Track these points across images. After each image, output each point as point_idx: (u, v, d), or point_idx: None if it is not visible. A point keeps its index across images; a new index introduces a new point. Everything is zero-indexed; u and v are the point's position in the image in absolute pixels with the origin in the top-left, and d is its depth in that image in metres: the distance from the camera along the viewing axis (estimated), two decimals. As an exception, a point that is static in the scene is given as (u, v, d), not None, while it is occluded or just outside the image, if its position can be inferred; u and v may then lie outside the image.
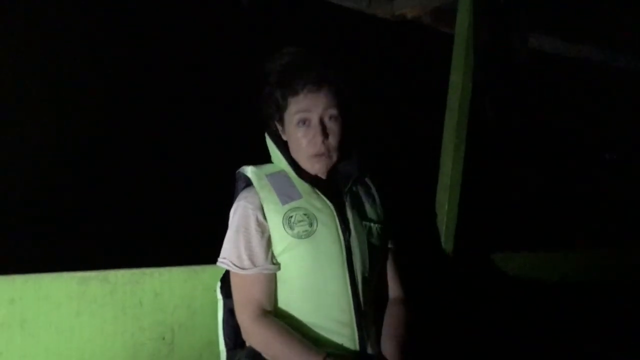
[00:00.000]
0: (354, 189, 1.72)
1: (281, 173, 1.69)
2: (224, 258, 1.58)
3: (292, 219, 1.56)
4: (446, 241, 2.43)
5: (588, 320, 2.88)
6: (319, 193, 1.64)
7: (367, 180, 1.83)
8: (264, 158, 1.76)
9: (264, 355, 1.53)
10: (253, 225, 1.57)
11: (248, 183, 1.67)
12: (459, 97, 2.40)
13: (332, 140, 1.63)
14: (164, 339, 1.86)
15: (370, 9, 2.69)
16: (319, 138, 1.60)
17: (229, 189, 1.74)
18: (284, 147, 1.71)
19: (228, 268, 1.58)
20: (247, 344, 1.65)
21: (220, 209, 1.73)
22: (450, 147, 2.43)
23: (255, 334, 1.54)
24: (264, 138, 1.76)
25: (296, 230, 1.55)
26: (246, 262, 1.54)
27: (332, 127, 1.63)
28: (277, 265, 1.57)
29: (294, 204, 1.59)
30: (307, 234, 1.55)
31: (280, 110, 1.67)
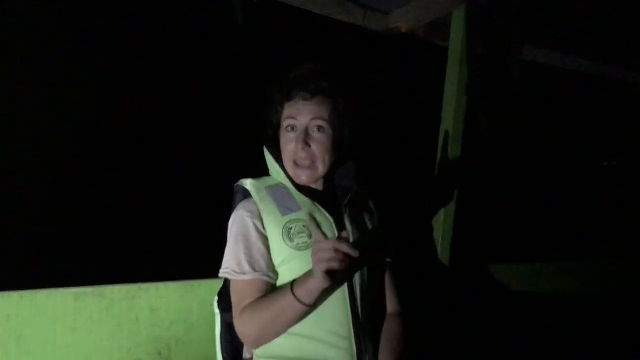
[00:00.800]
0: (353, 203, 1.72)
1: (280, 185, 1.69)
2: (226, 268, 1.57)
3: (292, 231, 1.56)
4: (442, 253, 2.43)
5: (585, 331, 2.88)
6: (318, 206, 1.64)
7: (366, 194, 1.83)
8: (260, 173, 1.76)
9: (264, 334, 1.52)
10: (253, 233, 1.57)
11: (246, 195, 1.67)
12: (453, 109, 2.42)
13: (316, 150, 1.63)
14: (160, 354, 1.85)
15: (366, 22, 2.70)
16: (299, 145, 1.61)
17: (226, 204, 1.74)
18: (281, 160, 1.72)
19: (229, 276, 1.56)
20: (246, 357, 1.65)
21: (217, 224, 1.73)
22: (445, 158, 2.44)
23: (244, 324, 1.52)
24: (260, 153, 1.77)
25: (296, 242, 1.55)
26: (246, 268, 1.53)
27: (317, 137, 1.63)
28: (277, 274, 1.57)
29: (293, 215, 1.59)
30: (307, 246, 1.55)
31: (277, 116, 1.69)
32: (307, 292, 1.42)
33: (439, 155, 2.49)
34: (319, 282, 1.37)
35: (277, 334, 1.51)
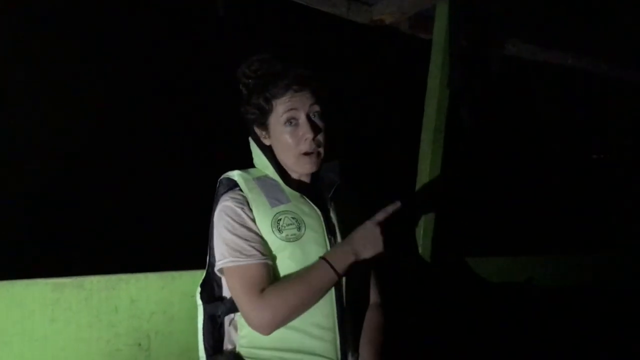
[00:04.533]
0: (337, 195, 1.72)
1: (267, 178, 1.69)
2: (226, 257, 1.53)
3: (281, 222, 1.56)
4: (424, 246, 2.44)
5: (563, 324, 2.91)
6: (306, 198, 1.64)
7: (348, 187, 1.83)
8: (239, 165, 1.75)
9: (291, 315, 1.50)
10: (247, 221, 1.56)
11: (231, 187, 1.66)
12: (436, 102, 2.43)
13: (321, 137, 1.64)
14: (140, 345, 1.84)
15: (350, 14, 2.69)
16: (309, 135, 1.61)
17: (207, 196, 1.72)
18: (268, 153, 1.71)
19: (234, 264, 1.51)
20: (227, 348, 1.64)
21: (198, 216, 1.72)
22: (428, 152, 2.44)
23: (269, 306, 1.48)
24: (236, 146, 1.76)
25: (285, 233, 1.55)
26: (253, 252, 1.51)
27: (320, 123, 1.64)
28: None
29: (282, 207, 1.59)
30: (296, 238, 1.56)
31: (264, 115, 1.66)
32: (345, 264, 1.52)
33: (421, 148, 2.50)
34: (356, 257, 1.53)
35: (301, 314, 1.52)
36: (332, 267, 1.49)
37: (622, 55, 3.51)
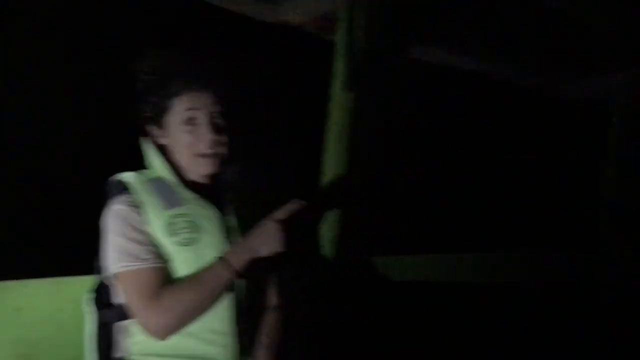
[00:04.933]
0: (238, 197, 1.71)
1: (161, 179, 1.64)
2: (119, 262, 1.47)
3: (176, 226, 1.52)
4: (327, 245, 2.46)
5: (478, 322, 3.01)
6: (204, 200, 1.61)
7: (250, 188, 1.82)
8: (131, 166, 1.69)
9: (187, 319, 1.46)
10: (138, 225, 1.50)
11: (122, 189, 1.60)
12: (339, 103, 2.45)
13: (221, 137, 1.61)
14: (26, 355, 1.76)
15: (255, 13, 2.68)
16: (209, 135, 1.57)
17: (98, 199, 1.66)
18: (164, 153, 1.66)
19: (127, 269, 1.46)
20: (117, 356, 1.59)
21: (89, 219, 1.64)
22: (333, 153, 2.47)
23: (163, 311, 1.44)
24: (129, 147, 1.70)
25: (179, 237, 1.51)
26: (145, 256, 1.46)
27: (221, 123, 1.61)
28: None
29: (177, 210, 1.55)
30: (191, 242, 1.52)
31: (161, 113, 1.62)
32: (241, 263, 1.50)
33: (326, 148, 2.51)
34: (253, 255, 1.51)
35: (198, 317, 1.48)
36: (228, 266, 1.48)
37: (529, 60, 3.68)
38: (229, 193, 1.66)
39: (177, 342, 1.49)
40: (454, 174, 4.61)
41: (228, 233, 1.60)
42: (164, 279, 1.48)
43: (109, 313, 1.60)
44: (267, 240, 1.53)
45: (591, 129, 4.78)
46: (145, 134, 1.69)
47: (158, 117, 1.63)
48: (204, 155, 1.60)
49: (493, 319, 3.07)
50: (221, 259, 1.50)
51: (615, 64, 3.90)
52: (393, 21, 2.74)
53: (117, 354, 1.62)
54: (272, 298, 1.76)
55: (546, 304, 3.36)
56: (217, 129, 1.60)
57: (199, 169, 1.63)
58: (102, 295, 1.61)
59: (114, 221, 1.53)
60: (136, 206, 1.54)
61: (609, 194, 4.04)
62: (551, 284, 3.53)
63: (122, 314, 1.57)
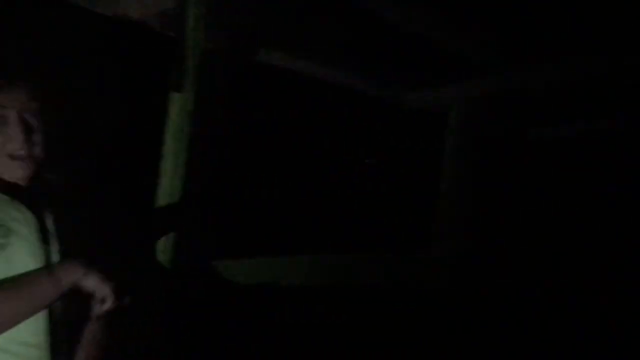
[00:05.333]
0: (56, 200, 1.60)
1: None
2: None
3: None
4: (164, 251, 2.39)
5: (324, 325, 3.08)
6: (18, 204, 1.48)
7: (74, 191, 1.72)
8: None
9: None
10: None
11: None
12: (179, 103, 2.39)
13: (36, 138, 1.48)
14: None
15: (91, 5, 2.52)
16: (20, 135, 1.44)
17: None
18: None
19: None
20: None
21: None
22: (171, 154, 2.40)
23: None
24: None
25: None
26: None
27: (35, 123, 1.48)
28: None
29: None
30: (0, 247, 1.39)
31: None
32: (73, 280, 1.41)
33: (164, 149, 2.44)
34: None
35: (10, 328, 1.34)
36: (56, 282, 1.37)
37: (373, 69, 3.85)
38: (47, 196, 1.55)
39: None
40: (296, 177, 4.68)
41: (45, 238, 1.49)
42: None
43: None
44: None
45: (430, 138, 5.10)
46: None
47: None
48: (15, 157, 1.48)
49: (329, 321, 3.16)
50: (50, 272, 1.39)
51: (450, 78, 4.20)
52: (236, 22, 2.74)
53: None
54: (98, 307, 1.67)
55: (377, 306, 3.51)
56: (30, 128, 1.48)
57: (11, 172, 1.49)
58: None
59: None
60: None
61: (442, 202, 4.32)
62: (382, 286, 3.71)
63: None
